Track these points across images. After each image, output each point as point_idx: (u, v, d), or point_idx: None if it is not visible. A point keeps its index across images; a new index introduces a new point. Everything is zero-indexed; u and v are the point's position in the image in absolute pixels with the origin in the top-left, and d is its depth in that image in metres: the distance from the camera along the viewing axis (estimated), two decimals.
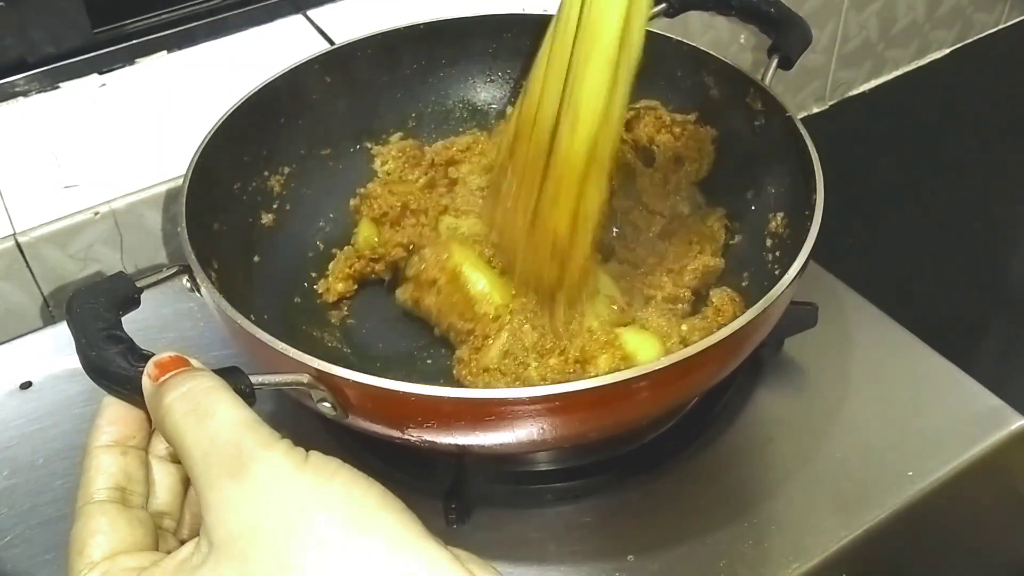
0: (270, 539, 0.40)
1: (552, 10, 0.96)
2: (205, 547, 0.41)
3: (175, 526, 0.49)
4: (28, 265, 0.82)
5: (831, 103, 1.34)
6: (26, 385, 0.79)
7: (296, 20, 1.04)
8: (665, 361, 0.57)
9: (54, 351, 0.81)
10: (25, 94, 0.94)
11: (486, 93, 0.91)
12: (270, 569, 0.39)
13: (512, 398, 0.55)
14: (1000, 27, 1.47)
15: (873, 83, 1.37)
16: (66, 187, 0.85)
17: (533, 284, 0.71)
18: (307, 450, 0.43)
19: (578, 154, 0.66)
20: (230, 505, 0.41)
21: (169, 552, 0.45)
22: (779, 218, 0.75)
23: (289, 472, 0.41)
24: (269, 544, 0.40)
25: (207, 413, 0.44)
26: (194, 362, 0.48)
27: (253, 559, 0.40)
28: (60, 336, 0.82)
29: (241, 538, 0.40)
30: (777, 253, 0.75)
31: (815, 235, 0.65)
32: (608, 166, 0.68)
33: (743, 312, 0.61)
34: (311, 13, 1.05)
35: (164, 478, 0.49)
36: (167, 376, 0.46)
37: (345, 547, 0.40)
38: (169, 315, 0.83)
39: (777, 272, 0.72)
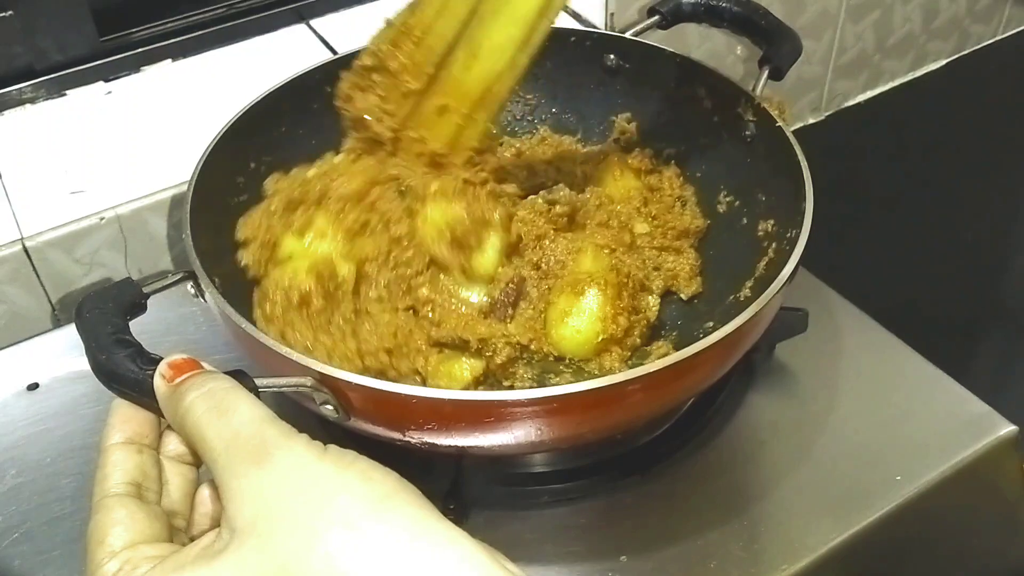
0: (294, 520, 0.41)
1: None
2: (227, 534, 0.42)
3: (185, 525, 0.50)
4: (35, 269, 0.84)
5: (827, 114, 1.36)
6: (33, 386, 0.80)
7: (299, 29, 1.05)
8: (659, 364, 0.59)
9: (60, 353, 0.82)
10: (32, 101, 0.95)
11: None
12: (294, 548, 0.41)
13: (512, 400, 0.57)
14: (997, 38, 1.48)
15: (869, 94, 1.38)
16: (72, 193, 0.86)
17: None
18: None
19: (471, 90, 0.69)
20: (254, 491, 0.42)
21: None
22: (770, 225, 0.77)
23: (311, 459, 0.43)
24: (293, 525, 0.41)
25: (229, 409, 0.45)
26: (205, 365, 0.49)
27: (277, 540, 0.41)
28: (66, 339, 0.84)
29: (265, 521, 0.42)
30: (767, 260, 0.76)
31: (804, 242, 0.67)
32: (497, 109, 0.71)
33: None
34: (314, 23, 1.06)
35: (175, 477, 0.51)
36: (183, 377, 0.48)
37: (368, 525, 0.41)
38: (172, 319, 0.84)
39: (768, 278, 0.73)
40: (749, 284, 0.75)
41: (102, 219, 0.85)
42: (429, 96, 0.71)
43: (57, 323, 0.88)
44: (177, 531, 0.49)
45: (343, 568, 0.40)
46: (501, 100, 0.70)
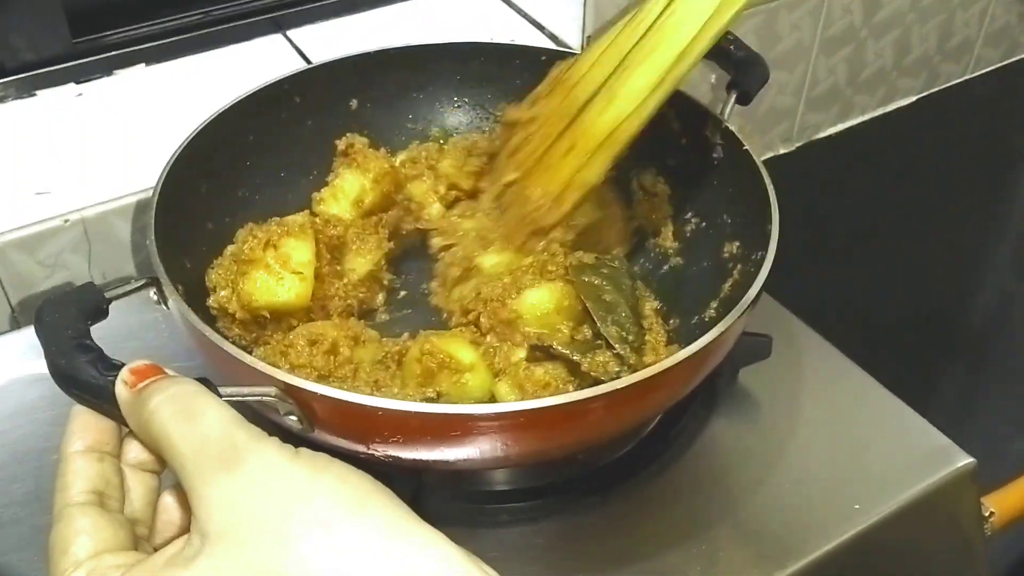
0: (267, 524, 0.41)
1: (519, 41, 0.98)
2: (198, 541, 0.42)
3: (148, 534, 0.49)
4: None
5: (798, 144, 1.37)
6: None
7: (275, 39, 1.05)
8: (623, 381, 0.59)
9: (17, 356, 0.81)
10: (1, 100, 0.95)
11: (453, 118, 0.93)
12: (269, 552, 0.40)
13: (477, 414, 0.57)
14: (966, 78, 1.50)
15: (840, 127, 1.40)
16: (38, 193, 0.85)
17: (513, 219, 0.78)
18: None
19: (600, 131, 0.73)
20: (225, 497, 0.42)
21: None
22: (735, 247, 0.77)
23: (284, 463, 0.43)
24: (268, 529, 0.41)
25: (196, 413, 0.45)
26: (168, 371, 0.49)
27: (251, 544, 0.40)
28: (23, 341, 0.82)
29: (239, 527, 0.41)
30: (732, 281, 0.76)
31: (770, 263, 0.67)
32: (618, 152, 0.74)
33: None
34: (291, 33, 1.06)
35: (137, 486, 0.50)
36: (146, 382, 0.47)
37: (345, 527, 0.41)
38: (132, 326, 0.83)
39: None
40: (714, 305, 0.75)
41: (67, 221, 0.84)
42: (559, 142, 0.75)
43: (16, 325, 0.86)
44: (140, 539, 0.48)
45: (319, 571, 0.40)
46: (624, 142, 0.74)
